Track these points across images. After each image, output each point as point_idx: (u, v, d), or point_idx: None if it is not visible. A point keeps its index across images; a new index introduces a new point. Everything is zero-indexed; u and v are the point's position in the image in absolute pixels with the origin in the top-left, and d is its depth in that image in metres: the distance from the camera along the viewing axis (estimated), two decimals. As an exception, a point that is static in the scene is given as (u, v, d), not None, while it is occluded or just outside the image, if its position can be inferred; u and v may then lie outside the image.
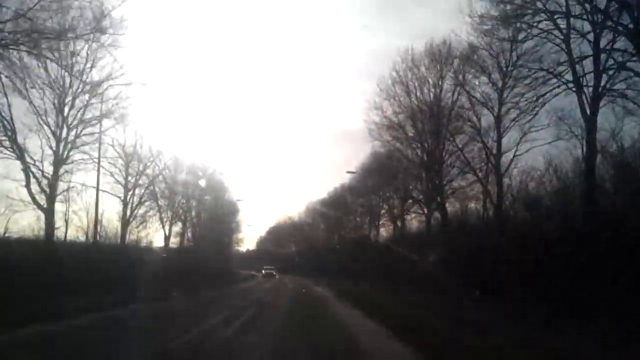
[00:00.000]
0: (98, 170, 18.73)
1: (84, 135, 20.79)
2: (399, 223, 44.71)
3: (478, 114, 23.61)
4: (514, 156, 23.00)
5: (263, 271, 65.77)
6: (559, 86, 19.29)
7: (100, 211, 26.39)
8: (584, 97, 18.49)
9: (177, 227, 42.39)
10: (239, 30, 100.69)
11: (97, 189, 18.79)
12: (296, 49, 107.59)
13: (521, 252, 17.75)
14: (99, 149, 19.50)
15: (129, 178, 28.34)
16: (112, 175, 27.83)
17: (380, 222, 51.12)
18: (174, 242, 42.45)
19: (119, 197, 27.84)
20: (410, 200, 41.09)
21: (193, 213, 46.69)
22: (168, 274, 28.47)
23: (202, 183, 44.45)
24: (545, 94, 19.80)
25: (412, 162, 30.85)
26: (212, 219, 52.15)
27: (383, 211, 49.64)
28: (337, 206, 61.36)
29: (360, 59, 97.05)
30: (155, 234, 37.22)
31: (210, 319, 13.29)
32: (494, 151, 23.31)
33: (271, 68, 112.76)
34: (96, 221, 18.95)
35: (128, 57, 21.76)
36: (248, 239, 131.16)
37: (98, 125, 20.52)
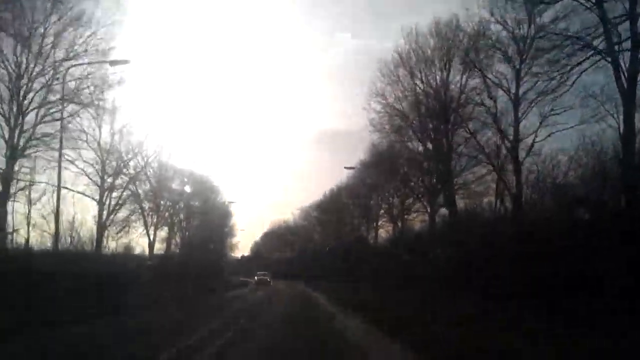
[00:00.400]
0: (59, 162, 16.01)
1: (45, 122, 18.07)
2: (399, 223, 42.32)
3: (493, 96, 21.08)
4: (534, 142, 20.55)
5: (256, 278, 58.01)
6: (589, 57, 16.83)
7: (72, 214, 23.82)
8: (620, 68, 16.13)
9: (164, 232, 39.57)
10: (229, 34, 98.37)
11: (59, 186, 16.04)
12: (285, 50, 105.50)
13: (547, 246, 15.51)
14: (61, 136, 16.73)
15: (106, 177, 25.54)
16: (87, 175, 25.11)
17: (379, 223, 48.79)
18: (160, 248, 39.69)
19: (94, 199, 25.03)
20: (412, 199, 38.90)
21: (181, 216, 43.85)
22: (151, 283, 25.67)
23: (188, 188, 41.61)
24: (573, 67, 17.34)
25: (416, 153, 28.27)
26: (202, 223, 49.34)
27: (382, 211, 47.28)
28: (333, 208, 59.01)
29: (351, 61, 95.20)
30: (139, 240, 34.37)
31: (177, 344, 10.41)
32: (511, 137, 20.82)
33: (259, 73, 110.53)
34: (57, 224, 16.18)
35: (103, 45, 19.07)
36: (243, 244, 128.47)
37: (60, 113, 17.65)
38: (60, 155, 15.89)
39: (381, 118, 26.56)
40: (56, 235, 16.51)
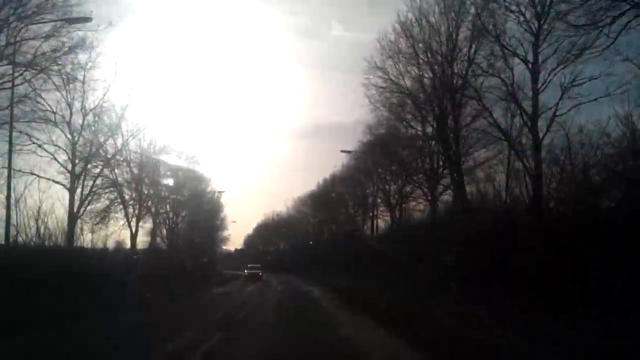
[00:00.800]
0: (10, 135, 13.63)
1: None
2: (397, 213, 40.25)
3: (510, 64, 18.82)
4: (554, 116, 18.39)
5: (245, 272, 51.71)
6: (623, 13, 14.56)
7: (38, 203, 21.50)
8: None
9: (149, 224, 37.04)
10: (217, 22, 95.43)
11: (9, 166, 13.70)
12: (274, 39, 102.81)
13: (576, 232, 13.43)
14: (11, 107, 14.27)
15: (78, 162, 23.02)
16: (56, 160, 22.64)
17: (376, 213, 46.75)
18: (144, 241, 37.31)
19: (64, 186, 22.52)
20: (410, 187, 36.86)
21: (167, 207, 41.43)
22: (129, 280, 23.23)
23: (172, 179, 39.05)
24: (604, 26, 15.08)
25: (417, 136, 25.97)
26: (191, 214, 46.99)
27: (379, 200, 45.22)
28: (327, 198, 56.99)
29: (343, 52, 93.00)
30: (121, 232, 31.81)
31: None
32: (529, 111, 18.61)
33: (246, 63, 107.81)
34: (8, 211, 13.87)
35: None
36: (236, 237, 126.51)
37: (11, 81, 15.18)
38: (11, 127, 13.54)
39: (381, 94, 24.13)
40: (7, 226, 14.15)
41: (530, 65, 18.53)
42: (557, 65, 18.24)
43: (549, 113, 18.52)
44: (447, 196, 31.80)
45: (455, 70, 21.48)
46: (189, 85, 73.99)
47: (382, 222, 44.99)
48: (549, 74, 18.50)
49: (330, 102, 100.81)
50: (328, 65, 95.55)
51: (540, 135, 18.05)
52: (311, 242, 66.52)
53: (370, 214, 48.26)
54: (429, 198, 31.61)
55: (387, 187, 41.32)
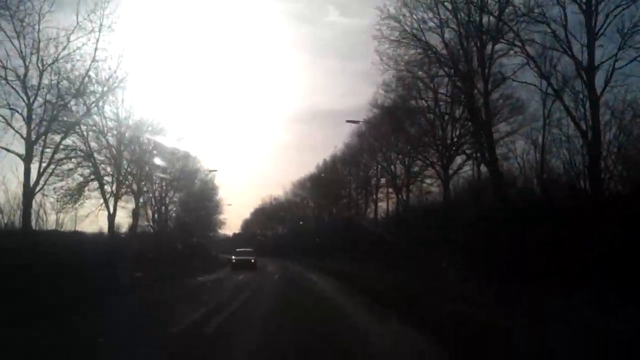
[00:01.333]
0: None
1: None
2: (403, 195, 37.05)
3: (561, 1, 15.15)
4: (613, 68, 14.88)
5: (233, 258, 41.46)
6: None
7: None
8: None
9: (131, 204, 33.47)
10: (217, 6, 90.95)
11: None
12: (275, 26, 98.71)
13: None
14: None
15: (34, 126, 19.42)
16: (9, 123, 19.05)
17: (380, 196, 43.53)
18: (128, 222, 33.96)
19: (18, 154, 18.95)
20: (419, 167, 33.74)
21: (154, 186, 37.87)
22: (102, 269, 19.85)
23: (157, 159, 35.36)
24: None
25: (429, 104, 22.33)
26: (182, 194, 43.68)
27: (383, 181, 41.95)
28: (327, 181, 53.79)
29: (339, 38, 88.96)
30: (99, 213, 28.24)
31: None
32: (584, 63, 15.03)
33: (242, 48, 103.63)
34: None
35: None
36: (233, 223, 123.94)
37: None
38: None
39: (395, 50, 20.14)
40: None
41: (583, 6, 14.95)
42: (614, 8, 14.82)
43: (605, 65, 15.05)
44: (464, 173, 28.98)
45: (490, 10, 17.22)
46: (181, 69, 69.11)
47: (392, 203, 41.89)
48: (605, 19, 15.03)
49: (327, 87, 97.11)
50: (324, 50, 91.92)
51: (598, 91, 14.54)
52: (303, 224, 63.59)
53: (374, 196, 45.07)
54: (442, 177, 28.58)
55: (392, 166, 38.19)
